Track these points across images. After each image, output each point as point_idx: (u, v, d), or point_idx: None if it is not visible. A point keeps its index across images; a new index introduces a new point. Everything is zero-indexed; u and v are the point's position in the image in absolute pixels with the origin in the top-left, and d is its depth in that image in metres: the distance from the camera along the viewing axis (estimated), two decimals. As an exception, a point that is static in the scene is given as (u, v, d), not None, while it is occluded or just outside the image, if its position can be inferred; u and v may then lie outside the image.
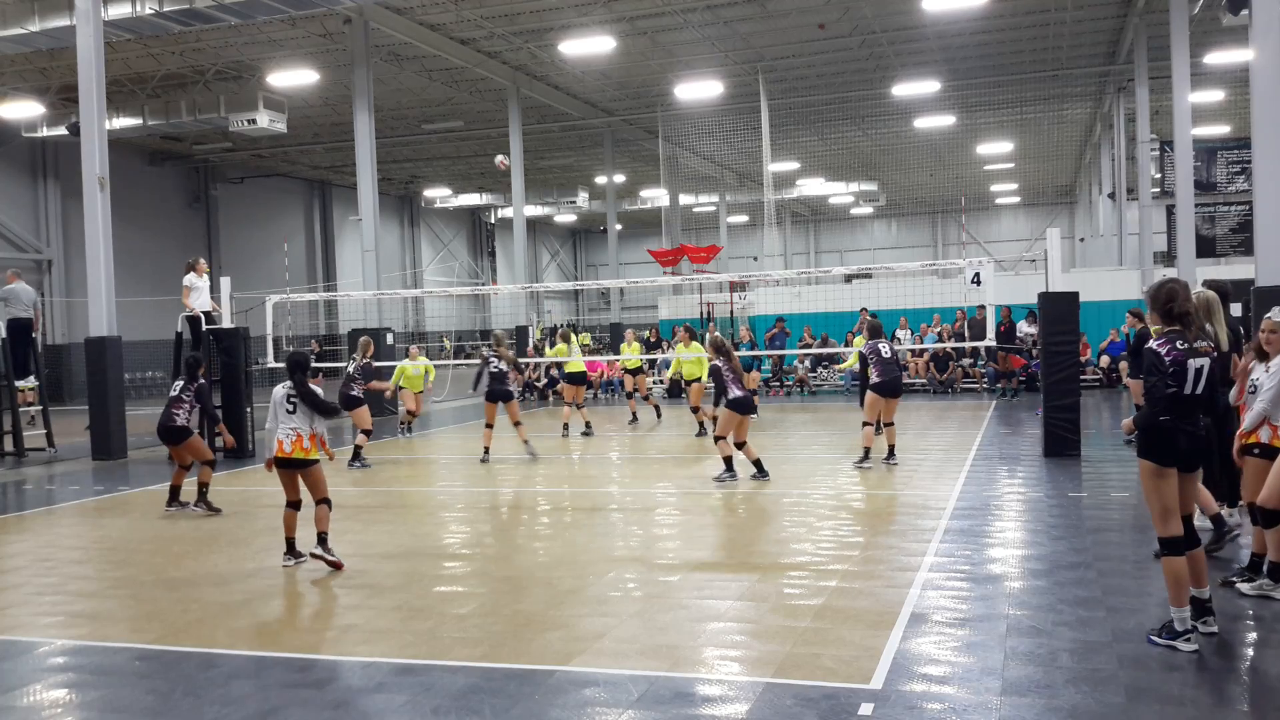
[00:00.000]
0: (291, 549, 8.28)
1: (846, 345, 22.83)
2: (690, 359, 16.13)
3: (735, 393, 11.18)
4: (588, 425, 17.11)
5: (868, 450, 12.32)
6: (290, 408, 8.08)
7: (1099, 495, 10.08)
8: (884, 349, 12.29)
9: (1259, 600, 6.37)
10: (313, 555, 8.03)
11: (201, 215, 36.03)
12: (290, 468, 8.15)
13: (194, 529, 9.98)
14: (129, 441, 16.38)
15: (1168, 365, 5.52)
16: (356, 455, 14.07)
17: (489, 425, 14.24)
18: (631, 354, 19.64)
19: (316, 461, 8.18)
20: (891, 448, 12.46)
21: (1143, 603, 6.39)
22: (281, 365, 17.97)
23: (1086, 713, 4.77)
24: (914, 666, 5.42)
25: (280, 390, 8.17)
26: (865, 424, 12.53)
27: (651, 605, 6.75)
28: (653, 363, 24.66)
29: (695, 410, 16.40)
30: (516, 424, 14.06)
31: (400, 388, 17.52)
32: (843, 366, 22.24)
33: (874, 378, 12.34)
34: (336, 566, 7.97)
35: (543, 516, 10.34)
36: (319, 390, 8.30)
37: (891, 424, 12.52)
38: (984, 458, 12.86)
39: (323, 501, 8.14)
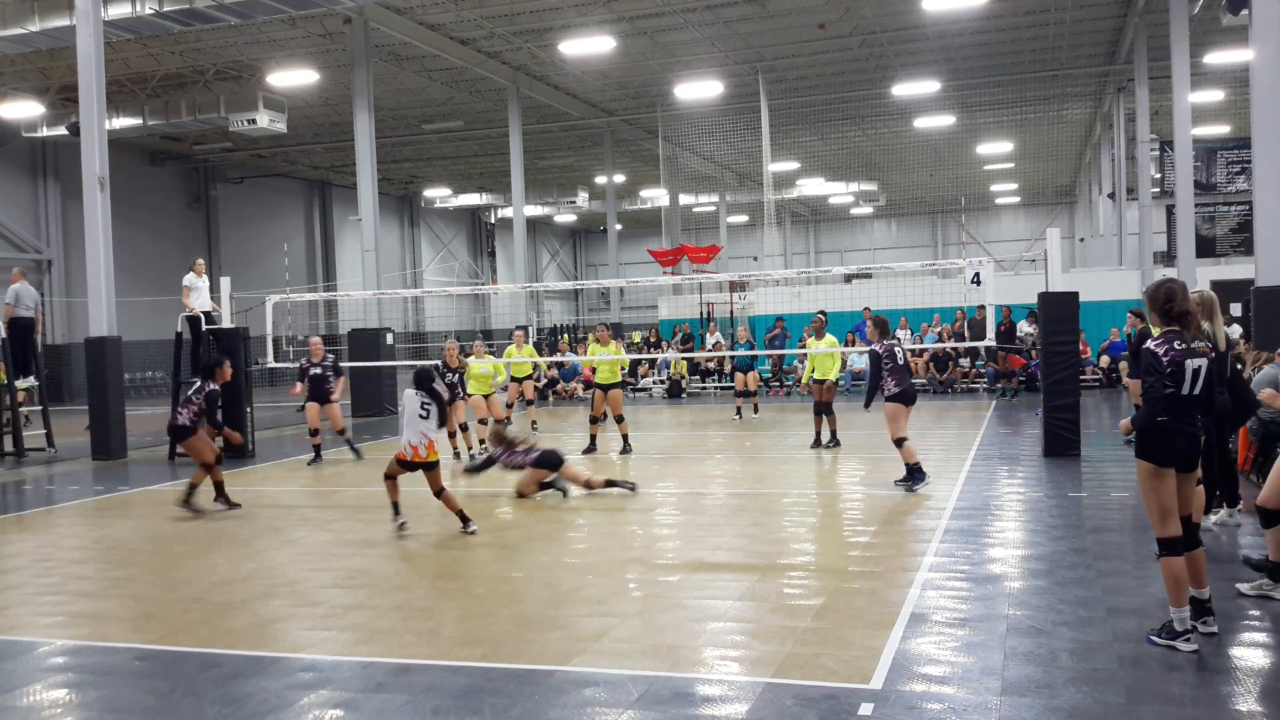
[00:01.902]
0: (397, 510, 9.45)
1: (846, 344, 22.81)
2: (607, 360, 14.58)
3: (534, 455, 11.11)
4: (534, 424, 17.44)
5: (915, 466, 10.63)
6: (424, 413, 9.13)
7: (1099, 495, 10.08)
8: (899, 351, 10.87)
9: (1259, 600, 6.37)
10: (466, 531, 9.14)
11: (201, 215, 36.03)
12: (414, 469, 9.19)
13: (194, 529, 9.98)
14: (129, 441, 16.39)
15: (1165, 365, 5.51)
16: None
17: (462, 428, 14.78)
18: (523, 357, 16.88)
19: (437, 463, 9.26)
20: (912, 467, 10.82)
21: (1143, 603, 6.39)
22: (281, 365, 18.17)
23: (1086, 713, 4.77)
24: (914, 666, 5.42)
25: (413, 398, 9.18)
26: (902, 440, 10.70)
27: (651, 605, 6.75)
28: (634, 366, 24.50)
29: (595, 421, 14.65)
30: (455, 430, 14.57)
31: (467, 395, 15.03)
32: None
33: (892, 387, 10.73)
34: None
35: (543, 516, 10.33)
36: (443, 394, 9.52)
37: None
38: (984, 458, 12.85)
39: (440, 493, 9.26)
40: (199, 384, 11.07)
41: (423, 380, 9.26)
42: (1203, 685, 5.12)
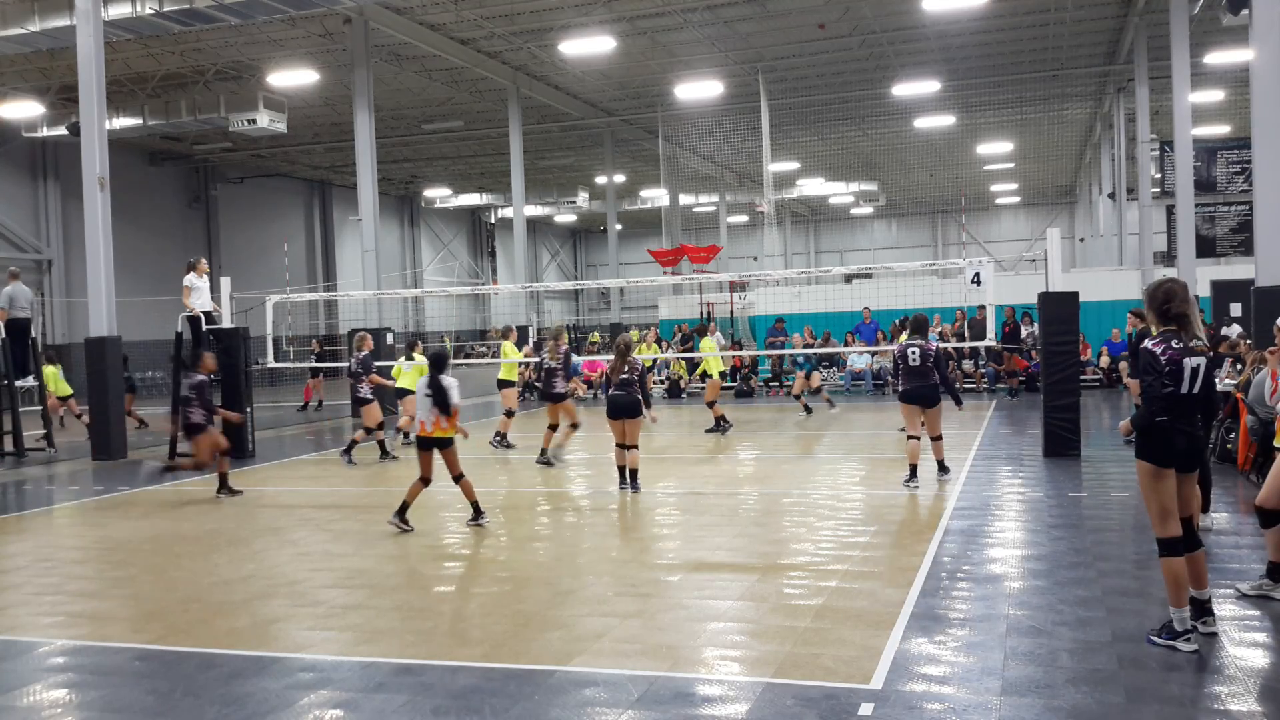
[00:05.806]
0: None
1: (845, 345, 22.84)
2: (708, 356, 17.36)
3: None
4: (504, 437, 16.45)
5: (914, 468, 10.85)
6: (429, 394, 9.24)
7: (1099, 495, 10.08)
8: (912, 353, 10.84)
9: (1259, 600, 6.37)
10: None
11: (201, 215, 36.03)
12: (431, 446, 9.33)
13: (194, 529, 9.98)
14: (129, 441, 16.40)
15: (1164, 365, 5.51)
16: (349, 449, 14.38)
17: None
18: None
19: (452, 441, 9.34)
20: (940, 463, 11.17)
21: (1143, 603, 6.39)
22: (281, 365, 18.22)
23: (1086, 713, 4.77)
24: (914, 666, 5.42)
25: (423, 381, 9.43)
26: (910, 436, 11.03)
27: (651, 605, 6.75)
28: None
29: (711, 404, 16.83)
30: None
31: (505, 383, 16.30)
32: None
33: (898, 386, 11.21)
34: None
35: (542, 516, 10.34)
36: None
37: (939, 437, 11.11)
38: (984, 458, 12.85)
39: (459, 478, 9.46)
40: (190, 380, 11.44)
41: (438, 364, 9.39)
42: (1203, 685, 5.12)
